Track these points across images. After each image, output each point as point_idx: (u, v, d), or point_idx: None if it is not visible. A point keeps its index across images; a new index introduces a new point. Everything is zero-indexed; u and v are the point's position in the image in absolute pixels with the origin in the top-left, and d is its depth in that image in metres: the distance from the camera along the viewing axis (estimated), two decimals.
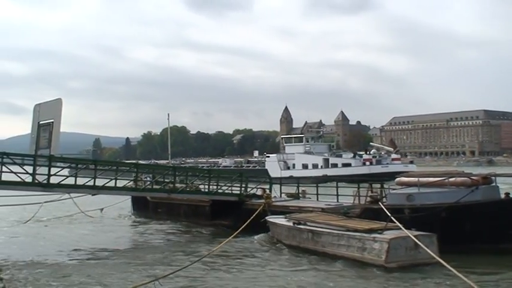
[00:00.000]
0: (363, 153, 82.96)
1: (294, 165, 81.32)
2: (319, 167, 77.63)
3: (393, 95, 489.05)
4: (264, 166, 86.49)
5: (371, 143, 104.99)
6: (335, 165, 77.15)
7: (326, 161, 79.13)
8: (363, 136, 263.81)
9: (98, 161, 26.76)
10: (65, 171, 23.30)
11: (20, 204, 26.34)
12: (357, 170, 71.77)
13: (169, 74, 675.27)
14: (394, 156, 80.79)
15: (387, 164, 75.73)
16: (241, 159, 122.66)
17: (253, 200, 25.54)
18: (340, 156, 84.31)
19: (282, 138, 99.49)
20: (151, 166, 43.68)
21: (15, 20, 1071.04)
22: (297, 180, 29.59)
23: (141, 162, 65.82)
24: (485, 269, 15.44)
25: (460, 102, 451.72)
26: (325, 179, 30.22)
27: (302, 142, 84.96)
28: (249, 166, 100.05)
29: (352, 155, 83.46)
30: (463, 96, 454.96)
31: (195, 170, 46.51)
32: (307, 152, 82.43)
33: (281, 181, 29.66)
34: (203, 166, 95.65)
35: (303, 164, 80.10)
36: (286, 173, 61.43)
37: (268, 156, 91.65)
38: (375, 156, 79.95)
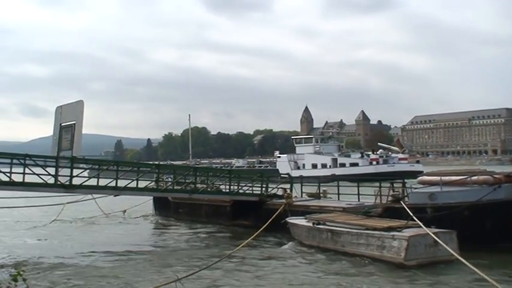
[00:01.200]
0: (370, 153, 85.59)
1: (303, 165, 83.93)
2: (328, 166, 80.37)
3: (414, 93, 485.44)
4: (275, 166, 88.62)
5: (379, 143, 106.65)
6: (343, 165, 79.53)
7: (334, 160, 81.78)
8: (384, 136, 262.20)
9: (120, 162, 26.86)
10: (85, 173, 23.44)
11: (42, 206, 26.66)
12: (364, 169, 74.27)
13: (189, 75, 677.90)
14: (401, 156, 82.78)
15: (393, 163, 77.93)
16: (254, 160, 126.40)
17: (274, 200, 25.56)
18: (349, 156, 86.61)
19: (292, 138, 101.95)
20: (173, 167, 43.84)
21: (36, 23, 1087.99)
22: (318, 180, 29.53)
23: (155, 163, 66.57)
24: (506, 267, 15.34)
25: (482, 100, 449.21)
26: (333, 178, 30.42)
27: (312, 143, 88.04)
28: (261, 166, 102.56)
29: (359, 155, 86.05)
30: (485, 95, 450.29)
31: (216, 170, 46.67)
32: (316, 152, 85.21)
33: (302, 181, 29.64)
34: (216, 167, 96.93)
35: (312, 164, 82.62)
36: (297, 173, 62.25)
37: (279, 157, 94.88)
38: (382, 156, 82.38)
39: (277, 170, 74.97)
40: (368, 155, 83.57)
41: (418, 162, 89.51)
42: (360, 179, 28.32)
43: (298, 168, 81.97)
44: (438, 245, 15.03)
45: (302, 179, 29.68)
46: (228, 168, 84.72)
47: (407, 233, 15.83)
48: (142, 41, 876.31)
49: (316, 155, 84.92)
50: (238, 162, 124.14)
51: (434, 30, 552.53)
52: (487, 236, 17.09)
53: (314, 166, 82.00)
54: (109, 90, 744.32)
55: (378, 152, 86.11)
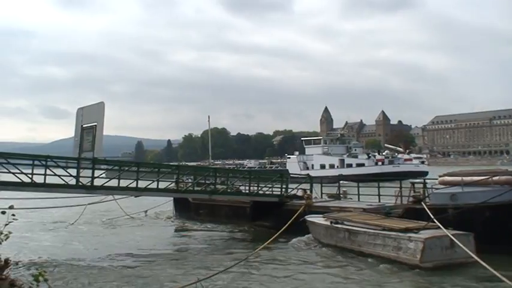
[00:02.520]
0: (376, 154, 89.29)
1: (312, 165, 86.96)
2: (336, 167, 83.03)
3: (435, 93, 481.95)
4: (285, 167, 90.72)
5: (385, 145, 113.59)
6: (350, 165, 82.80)
7: (342, 161, 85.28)
8: (405, 136, 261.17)
9: (141, 163, 27.00)
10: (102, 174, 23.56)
11: (64, 206, 26.84)
12: (370, 169, 77.23)
13: (209, 76, 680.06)
14: (406, 157, 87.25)
15: (398, 164, 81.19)
16: (265, 161, 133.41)
17: (294, 201, 25.54)
18: (356, 157, 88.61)
19: (302, 140, 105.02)
20: (193, 168, 43.95)
21: (57, 25, 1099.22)
22: (338, 180, 29.45)
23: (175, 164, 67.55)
24: None
25: (503, 100, 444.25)
26: (340, 178, 31.06)
27: (320, 144, 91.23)
28: (272, 167, 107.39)
29: (366, 156, 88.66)
30: (506, 94, 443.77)
31: (236, 171, 46.78)
32: (325, 153, 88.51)
33: (322, 182, 29.58)
34: (229, 167, 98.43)
35: (320, 164, 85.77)
36: (305, 173, 63.08)
37: (289, 157, 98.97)
38: (388, 157, 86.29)
39: (287, 170, 76.22)
40: (374, 156, 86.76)
41: (422, 163, 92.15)
42: (363, 179, 29.16)
43: (307, 168, 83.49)
44: (455, 247, 14.96)
45: (322, 179, 29.68)
46: (240, 169, 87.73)
47: (424, 234, 15.76)
48: (162, 43, 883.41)
49: (324, 155, 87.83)
50: (250, 163, 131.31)
51: (454, 30, 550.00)
52: (509, 236, 16.91)
53: (322, 166, 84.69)
54: (129, 92, 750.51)
55: (383, 153, 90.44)
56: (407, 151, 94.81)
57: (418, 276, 14.69)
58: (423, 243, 15.32)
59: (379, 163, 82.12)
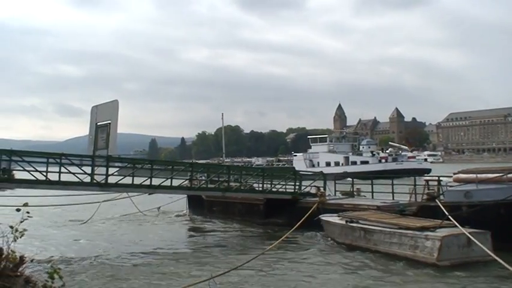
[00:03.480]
0: (380, 151, 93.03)
1: (318, 163, 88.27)
2: (341, 164, 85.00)
3: (449, 90, 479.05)
4: (292, 164, 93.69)
5: (390, 142, 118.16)
6: (354, 163, 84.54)
7: (346, 159, 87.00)
8: (419, 133, 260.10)
9: (154, 161, 27.09)
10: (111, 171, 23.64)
11: (78, 204, 27.01)
12: (373, 167, 77.69)
13: (222, 74, 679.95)
14: (410, 154, 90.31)
15: (402, 161, 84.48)
16: (273, 158, 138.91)
17: (307, 199, 25.52)
18: (361, 154, 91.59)
19: (308, 138, 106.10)
20: (206, 165, 44.03)
21: (71, 23, 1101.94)
22: (342, 177, 29.49)
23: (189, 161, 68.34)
24: None
25: None
26: (345, 175, 31.47)
27: (326, 142, 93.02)
28: (279, 164, 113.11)
29: (370, 153, 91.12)
30: None
31: (249, 168, 46.85)
32: (330, 151, 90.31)
33: (335, 179, 29.54)
34: (237, 165, 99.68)
35: (326, 162, 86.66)
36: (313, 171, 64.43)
37: (296, 155, 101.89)
38: (391, 155, 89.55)
39: (294, 167, 78.13)
40: (378, 154, 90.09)
41: (426, 160, 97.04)
42: (368, 177, 29.83)
43: (313, 166, 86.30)
44: (472, 245, 14.88)
45: (335, 177, 29.69)
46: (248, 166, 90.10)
47: (441, 233, 15.68)
48: (176, 41, 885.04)
49: (330, 153, 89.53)
50: (257, 161, 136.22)
51: (469, 26, 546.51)
52: None
53: (328, 164, 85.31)
54: (143, 90, 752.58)
55: (387, 151, 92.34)
56: (411, 149, 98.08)
57: (436, 274, 14.60)
58: (440, 242, 15.25)
59: (383, 160, 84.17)
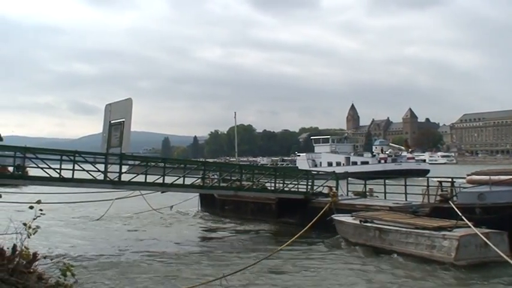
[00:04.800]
0: (380, 152, 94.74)
1: (320, 163, 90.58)
2: (342, 164, 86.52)
3: (463, 91, 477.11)
4: (295, 164, 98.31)
5: (390, 144, 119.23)
6: (355, 163, 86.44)
7: (347, 159, 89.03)
8: (433, 134, 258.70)
9: (167, 159, 27.13)
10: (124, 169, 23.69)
11: (91, 201, 27.11)
12: (373, 167, 79.47)
13: (235, 73, 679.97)
14: (408, 155, 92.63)
15: (400, 162, 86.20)
16: (277, 158, 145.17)
17: (319, 198, 25.45)
18: (361, 155, 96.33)
19: (311, 139, 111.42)
20: (218, 164, 44.06)
21: (85, 21, 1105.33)
22: (346, 177, 29.47)
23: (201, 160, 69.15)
24: None
25: None
26: (346, 175, 31.84)
27: (328, 143, 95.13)
28: (283, 164, 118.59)
29: (370, 154, 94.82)
30: None
31: (261, 168, 46.89)
32: (332, 152, 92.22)
33: (347, 179, 29.48)
34: (243, 164, 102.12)
35: (328, 162, 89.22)
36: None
37: (299, 155, 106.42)
38: (390, 155, 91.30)
39: (297, 167, 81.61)
40: (378, 154, 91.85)
41: (424, 161, 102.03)
42: (370, 177, 31.74)
43: (316, 166, 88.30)
44: (489, 245, 14.77)
45: (348, 178, 29.66)
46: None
47: (458, 232, 15.61)
48: (189, 40, 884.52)
49: (332, 154, 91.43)
50: (263, 161, 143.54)
51: (483, 27, 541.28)
52: None
53: (329, 164, 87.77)
54: (156, 88, 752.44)
55: (387, 152, 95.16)
56: (409, 150, 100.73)
57: (454, 274, 14.60)
58: (458, 241, 15.21)
59: (382, 161, 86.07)
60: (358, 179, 32.72)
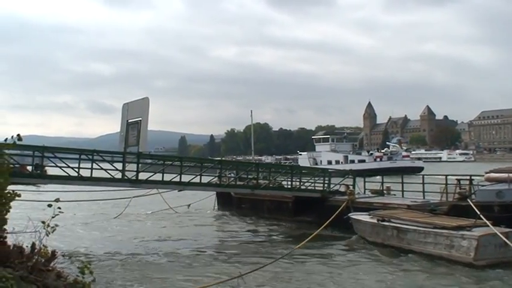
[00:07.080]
0: (376, 151, 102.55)
1: (321, 161, 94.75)
2: (340, 162, 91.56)
3: (481, 88, 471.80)
4: (298, 162, 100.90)
5: (387, 142, 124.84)
6: (352, 161, 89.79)
7: (346, 157, 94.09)
8: (451, 131, 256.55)
9: (184, 158, 27.21)
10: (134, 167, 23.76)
11: (109, 199, 27.29)
12: (369, 165, 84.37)
13: (251, 71, 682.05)
14: (404, 153, 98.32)
15: (396, 160, 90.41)
16: (281, 157, 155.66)
17: (336, 197, 25.35)
18: (359, 154, 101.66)
19: (312, 138, 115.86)
20: (235, 162, 44.11)
21: (102, 22, 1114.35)
22: (345, 174, 29.25)
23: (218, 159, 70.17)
24: None
25: None
26: (346, 173, 32.14)
27: (328, 142, 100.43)
28: (286, 162, 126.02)
29: (366, 153, 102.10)
30: None
31: (278, 166, 46.88)
32: (332, 150, 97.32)
33: (365, 178, 29.37)
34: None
35: (327, 160, 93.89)
36: None
37: (301, 154, 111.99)
38: (386, 154, 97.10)
39: (299, 165, 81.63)
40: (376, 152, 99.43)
41: (419, 159, 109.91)
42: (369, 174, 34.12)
43: (316, 164, 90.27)
44: (509, 245, 14.63)
45: (365, 176, 29.58)
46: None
47: (477, 232, 15.46)
48: (204, 39, 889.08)
49: (331, 152, 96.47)
50: (267, 159, 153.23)
51: (503, 23, 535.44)
52: None
53: (329, 162, 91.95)
54: (172, 87, 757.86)
55: (383, 150, 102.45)
56: (404, 148, 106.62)
57: (473, 274, 14.48)
58: (477, 241, 15.08)
59: (378, 159, 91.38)
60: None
